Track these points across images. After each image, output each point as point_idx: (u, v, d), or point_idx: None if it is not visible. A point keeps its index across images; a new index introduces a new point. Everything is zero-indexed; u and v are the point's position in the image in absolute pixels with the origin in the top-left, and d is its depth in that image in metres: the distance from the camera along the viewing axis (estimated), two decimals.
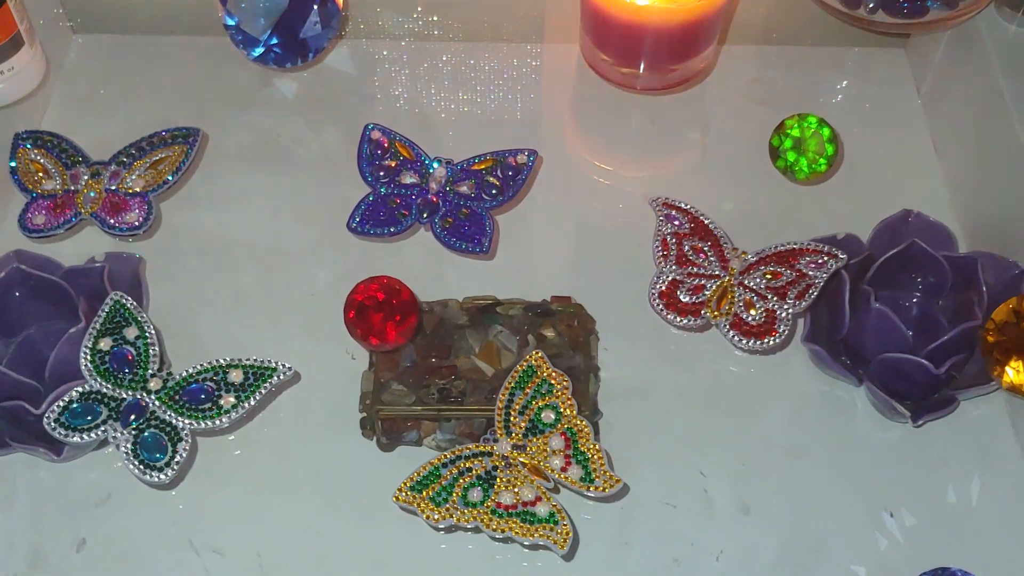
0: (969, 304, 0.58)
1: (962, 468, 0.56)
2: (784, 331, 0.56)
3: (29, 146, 0.64)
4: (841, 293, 0.58)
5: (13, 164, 0.63)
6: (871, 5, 0.66)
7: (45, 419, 0.53)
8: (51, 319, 0.59)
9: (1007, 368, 0.53)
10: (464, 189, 0.61)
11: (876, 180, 0.67)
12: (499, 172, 0.62)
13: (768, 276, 0.58)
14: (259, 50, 0.68)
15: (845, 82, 0.73)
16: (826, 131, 0.62)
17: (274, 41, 0.67)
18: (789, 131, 0.63)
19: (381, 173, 0.62)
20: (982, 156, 0.64)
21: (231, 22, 0.67)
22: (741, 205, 0.66)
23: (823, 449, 0.56)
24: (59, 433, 0.52)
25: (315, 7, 0.66)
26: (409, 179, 0.62)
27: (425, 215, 0.61)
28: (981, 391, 0.56)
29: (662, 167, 0.69)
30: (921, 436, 0.57)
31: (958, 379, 0.57)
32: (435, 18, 0.75)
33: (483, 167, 0.62)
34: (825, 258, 0.58)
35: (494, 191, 0.61)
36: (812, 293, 0.57)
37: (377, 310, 0.55)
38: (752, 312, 0.57)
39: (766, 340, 0.56)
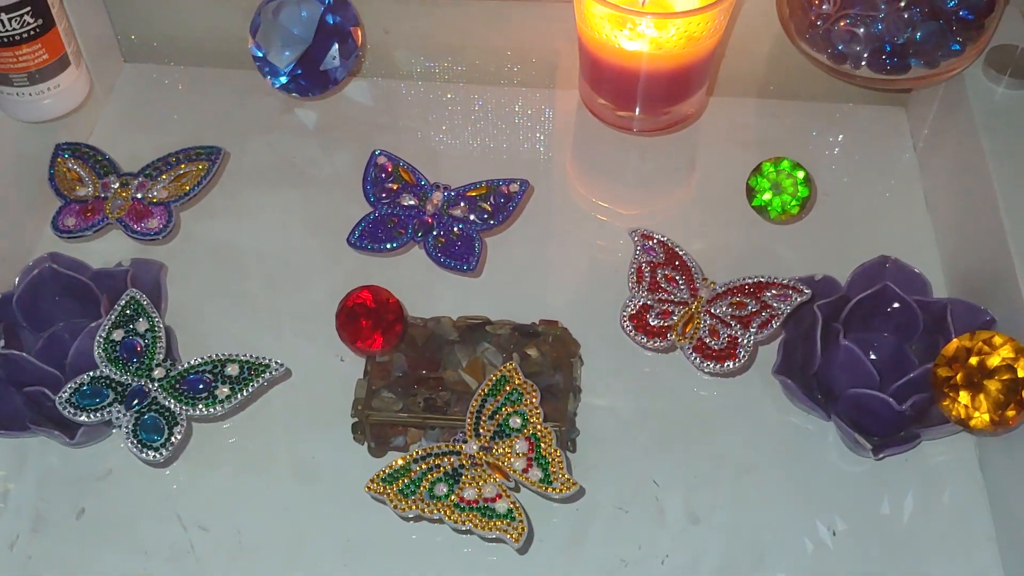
0: (937, 347, 0.61)
1: (916, 500, 0.58)
2: (744, 356, 0.59)
3: (67, 156, 0.70)
4: (813, 330, 0.61)
5: (52, 171, 0.69)
6: (863, 62, 0.70)
7: (58, 398, 0.57)
8: (78, 316, 0.63)
9: (956, 402, 0.56)
10: (457, 212, 0.66)
11: (866, 228, 0.70)
12: (492, 199, 0.66)
13: (733, 306, 0.61)
14: (283, 80, 0.73)
15: (841, 136, 0.77)
16: (800, 174, 0.66)
17: (298, 72, 0.73)
18: (765, 173, 0.67)
19: (383, 195, 0.67)
20: (966, 211, 0.67)
21: (259, 54, 0.73)
22: (726, 243, 0.69)
23: (779, 471, 0.59)
24: (69, 412, 0.56)
25: (336, 43, 0.72)
26: (408, 201, 0.67)
27: (420, 234, 0.66)
28: (946, 431, 0.59)
29: (651, 204, 0.73)
30: (883, 471, 0.59)
31: (924, 418, 0.59)
32: (447, 61, 0.80)
33: (477, 193, 0.67)
34: (790, 292, 0.61)
35: (485, 215, 0.66)
36: (774, 323, 0.60)
37: (366, 316, 0.59)
38: (715, 338, 0.60)
39: (726, 364, 0.59)
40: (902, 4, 0.66)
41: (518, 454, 0.55)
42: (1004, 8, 0.69)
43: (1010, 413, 0.54)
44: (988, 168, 0.64)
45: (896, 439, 0.58)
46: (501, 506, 0.53)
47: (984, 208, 0.64)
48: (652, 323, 0.61)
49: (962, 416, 0.56)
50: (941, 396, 0.57)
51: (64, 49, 0.67)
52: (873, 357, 0.62)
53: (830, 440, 0.61)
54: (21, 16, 0.63)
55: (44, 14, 0.64)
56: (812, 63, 0.72)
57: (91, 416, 0.57)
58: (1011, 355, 0.55)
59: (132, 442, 0.56)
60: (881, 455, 0.58)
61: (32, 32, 0.64)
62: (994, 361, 0.55)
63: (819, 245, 0.69)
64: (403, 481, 0.55)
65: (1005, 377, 0.54)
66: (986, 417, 0.55)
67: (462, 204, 0.66)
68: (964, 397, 0.55)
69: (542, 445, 0.55)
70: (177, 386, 0.58)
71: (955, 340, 0.57)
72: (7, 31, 0.63)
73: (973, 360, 0.55)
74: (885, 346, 0.63)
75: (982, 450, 0.60)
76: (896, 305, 0.62)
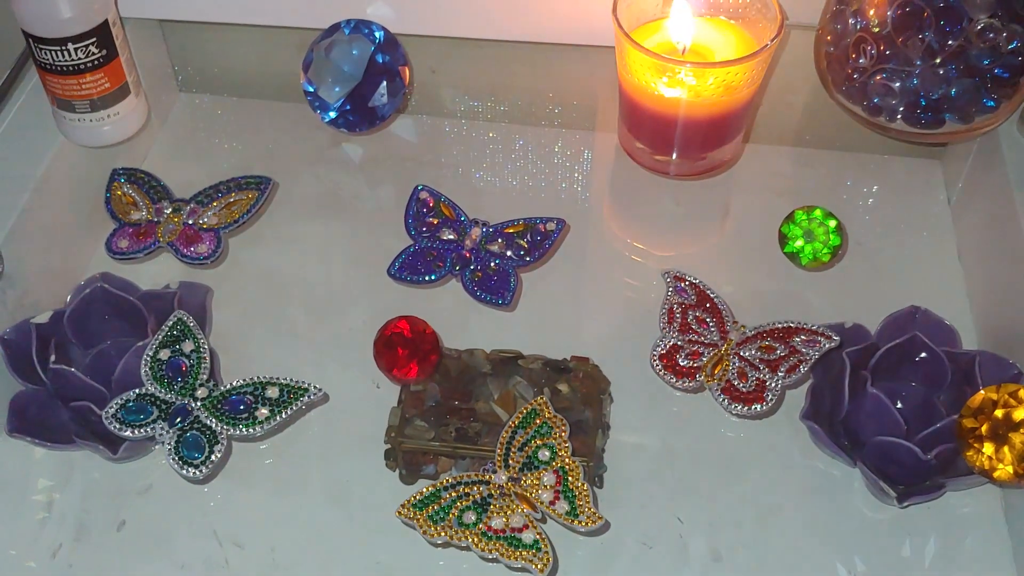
0: (965, 398, 0.61)
1: (939, 548, 0.59)
2: (771, 399, 0.60)
3: (123, 180, 0.72)
4: (841, 377, 0.62)
5: (108, 194, 0.72)
6: (898, 116, 0.71)
7: (104, 413, 0.59)
8: (126, 335, 0.65)
9: (980, 453, 0.56)
10: (495, 248, 0.68)
11: (898, 278, 0.71)
12: (529, 236, 0.68)
13: (763, 349, 0.62)
14: (332, 115, 0.76)
15: (876, 186, 0.77)
16: (832, 223, 0.67)
17: (346, 108, 0.75)
18: (798, 221, 0.68)
19: (424, 229, 0.69)
20: (998, 265, 0.67)
21: (310, 89, 0.75)
22: (757, 288, 0.70)
23: (803, 515, 0.60)
24: (114, 427, 0.58)
25: (384, 81, 0.75)
26: (448, 235, 0.69)
27: (457, 268, 0.67)
28: (971, 482, 0.59)
29: (685, 246, 0.74)
30: (907, 519, 0.60)
31: (949, 468, 0.59)
32: (490, 101, 0.82)
33: (514, 230, 0.68)
34: (819, 338, 0.62)
35: (522, 252, 0.67)
36: (802, 368, 0.61)
37: (403, 346, 0.60)
38: (744, 380, 0.61)
39: (753, 406, 0.60)
40: (937, 60, 0.67)
41: (546, 486, 0.56)
42: None
43: None
44: (1020, 224, 0.65)
45: (921, 488, 0.58)
46: (528, 536, 0.55)
47: (1016, 263, 0.64)
48: (682, 363, 0.63)
49: (986, 467, 0.56)
50: (965, 447, 0.57)
51: (125, 78, 0.70)
52: (900, 406, 0.63)
53: (855, 486, 0.61)
54: (87, 47, 0.66)
55: (108, 45, 0.67)
56: (848, 115, 0.73)
57: (135, 432, 0.59)
58: None
59: (174, 458, 0.58)
60: (906, 503, 0.58)
61: (96, 62, 0.67)
62: (1019, 414, 0.55)
63: (850, 293, 0.70)
64: (433, 508, 0.56)
65: None
66: (1010, 469, 0.55)
67: (500, 240, 0.68)
68: (988, 448, 0.56)
69: (569, 478, 0.57)
70: (219, 406, 0.60)
71: (981, 392, 0.58)
72: (73, 60, 0.66)
73: (999, 412, 0.56)
74: (913, 395, 0.64)
75: (1008, 502, 0.60)
76: (924, 355, 0.63)
